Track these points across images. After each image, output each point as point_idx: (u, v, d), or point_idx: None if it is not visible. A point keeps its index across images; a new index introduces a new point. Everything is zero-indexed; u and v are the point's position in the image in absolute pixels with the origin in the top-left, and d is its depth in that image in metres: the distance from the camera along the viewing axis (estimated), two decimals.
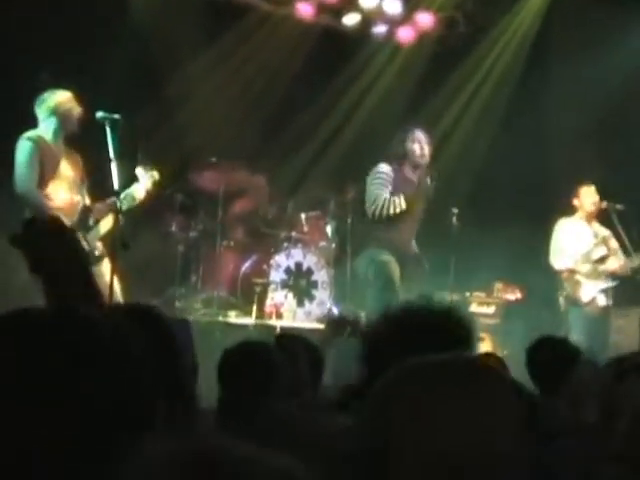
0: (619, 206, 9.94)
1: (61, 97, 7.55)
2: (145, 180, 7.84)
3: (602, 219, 10.17)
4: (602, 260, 10.06)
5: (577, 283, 9.99)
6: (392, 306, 2.53)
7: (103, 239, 7.63)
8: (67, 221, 7.17)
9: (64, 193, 7.49)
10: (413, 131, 9.06)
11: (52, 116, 7.50)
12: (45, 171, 7.40)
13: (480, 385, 1.55)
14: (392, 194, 8.81)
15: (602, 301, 9.99)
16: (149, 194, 7.91)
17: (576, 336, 9.57)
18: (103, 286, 7.35)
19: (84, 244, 7.22)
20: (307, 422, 3.32)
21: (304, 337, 5.17)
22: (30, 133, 7.46)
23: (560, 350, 4.75)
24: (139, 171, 7.84)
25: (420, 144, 8.97)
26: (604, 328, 9.93)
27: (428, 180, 9.11)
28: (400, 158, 8.98)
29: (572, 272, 10.01)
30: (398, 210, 8.77)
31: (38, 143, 7.41)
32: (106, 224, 7.56)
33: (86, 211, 7.59)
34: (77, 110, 7.54)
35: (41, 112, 7.53)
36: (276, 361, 3.71)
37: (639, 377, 3.62)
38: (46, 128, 7.53)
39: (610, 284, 10.00)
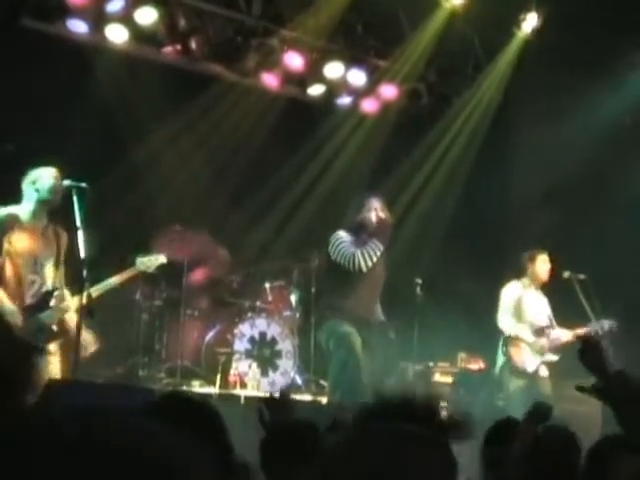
0: (581, 276, 9.97)
1: (43, 176, 7.52)
2: (147, 264, 7.96)
3: (565, 289, 10.20)
4: (543, 331, 10.05)
5: (522, 352, 9.96)
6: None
7: (64, 321, 7.62)
8: (10, 299, 7.27)
9: (21, 270, 7.45)
10: (369, 199, 8.98)
11: (32, 194, 7.50)
12: (4, 247, 7.38)
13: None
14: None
15: (544, 372, 9.97)
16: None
17: (517, 406, 9.55)
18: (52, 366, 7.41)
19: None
20: None
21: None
22: (2, 210, 7.49)
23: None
24: (139, 260, 8.00)
25: (376, 212, 8.90)
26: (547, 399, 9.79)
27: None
28: (357, 227, 8.88)
29: (519, 340, 9.98)
30: (375, 259, 8.67)
31: (3, 220, 7.42)
32: (68, 307, 7.58)
33: (46, 294, 7.56)
34: (58, 189, 7.52)
35: (24, 188, 7.55)
36: None
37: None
38: (25, 205, 7.55)
39: (553, 358, 9.97)
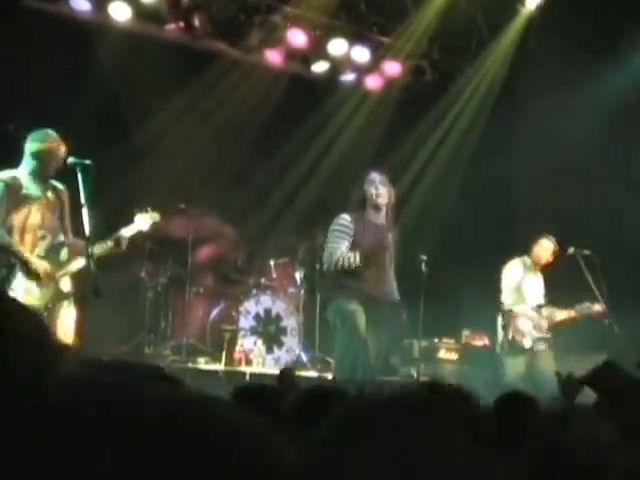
0: (586, 252, 9.92)
1: (48, 140, 7.49)
2: (144, 221, 7.92)
3: (569, 265, 10.19)
4: (540, 309, 10.05)
5: (521, 328, 9.96)
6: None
7: (74, 277, 7.61)
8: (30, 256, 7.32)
9: (32, 228, 7.45)
10: (369, 174, 8.86)
11: (34, 156, 7.47)
12: (11, 211, 7.37)
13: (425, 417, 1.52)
14: (350, 249, 8.58)
15: (542, 346, 9.95)
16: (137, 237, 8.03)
17: (512, 381, 9.54)
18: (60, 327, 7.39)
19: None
20: None
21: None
22: (3, 173, 7.45)
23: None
24: (138, 216, 7.91)
25: (375, 184, 8.79)
26: (547, 373, 9.73)
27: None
28: (360, 203, 8.83)
29: (519, 316, 9.98)
30: (354, 266, 8.53)
31: (8, 184, 7.39)
32: (77, 263, 7.54)
33: (58, 246, 7.57)
34: (60, 156, 7.49)
35: (27, 148, 7.51)
36: None
37: None
38: (25, 166, 7.51)
39: (546, 336, 9.97)
